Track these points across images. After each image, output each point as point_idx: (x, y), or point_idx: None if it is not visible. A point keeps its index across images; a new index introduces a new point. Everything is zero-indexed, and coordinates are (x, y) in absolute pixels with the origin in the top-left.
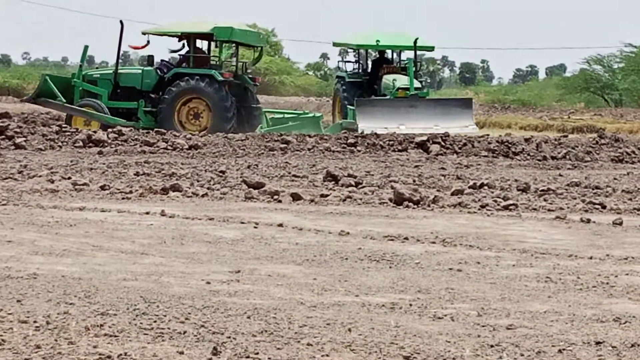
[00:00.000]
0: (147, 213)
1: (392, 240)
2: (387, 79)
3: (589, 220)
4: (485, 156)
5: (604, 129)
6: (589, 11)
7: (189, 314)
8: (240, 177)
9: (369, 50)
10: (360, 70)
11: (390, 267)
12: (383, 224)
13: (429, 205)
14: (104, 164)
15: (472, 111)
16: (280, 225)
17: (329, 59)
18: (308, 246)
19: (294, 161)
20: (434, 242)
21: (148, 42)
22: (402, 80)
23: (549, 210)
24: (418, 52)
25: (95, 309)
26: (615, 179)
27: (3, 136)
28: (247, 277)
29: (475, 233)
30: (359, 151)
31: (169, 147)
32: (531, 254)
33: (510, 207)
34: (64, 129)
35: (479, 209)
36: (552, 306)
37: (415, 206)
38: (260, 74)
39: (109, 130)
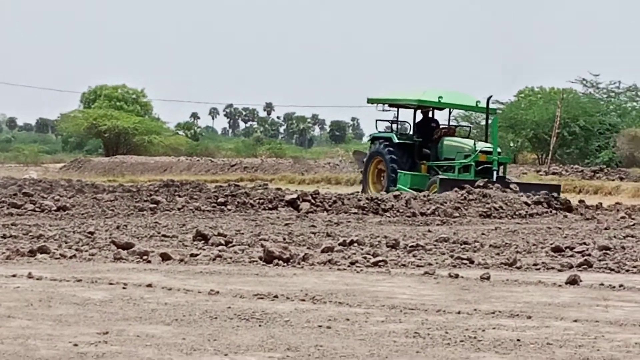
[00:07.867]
0: (14, 276)
1: (261, 298)
2: (451, 141)
3: (457, 276)
4: (355, 213)
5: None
6: (458, 71)
7: None
8: (109, 237)
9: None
10: (411, 132)
11: (259, 326)
12: (253, 283)
13: (299, 263)
14: None
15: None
16: (149, 285)
17: (199, 118)
18: (177, 306)
19: (164, 221)
20: (303, 300)
21: None
22: (480, 144)
23: (417, 266)
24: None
25: None
26: (483, 234)
27: None
28: (115, 338)
29: (345, 290)
30: (229, 210)
31: (36, 209)
32: (400, 309)
33: (380, 264)
34: None
35: (348, 266)
36: None
37: (285, 264)
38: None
39: None
